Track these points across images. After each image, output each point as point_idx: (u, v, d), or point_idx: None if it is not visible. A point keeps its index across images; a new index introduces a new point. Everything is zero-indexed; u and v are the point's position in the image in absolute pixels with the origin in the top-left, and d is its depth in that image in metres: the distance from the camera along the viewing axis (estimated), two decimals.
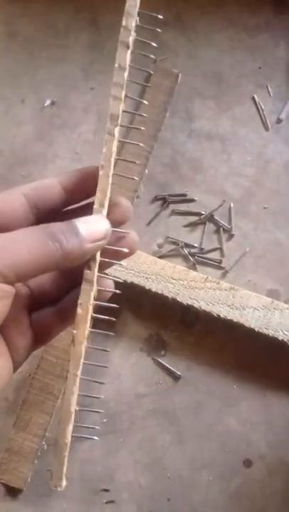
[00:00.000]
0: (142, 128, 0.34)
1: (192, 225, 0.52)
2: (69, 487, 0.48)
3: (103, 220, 0.31)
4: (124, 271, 0.46)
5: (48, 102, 0.55)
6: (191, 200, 0.53)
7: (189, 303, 0.46)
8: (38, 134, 0.55)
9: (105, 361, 0.50)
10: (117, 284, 0.47)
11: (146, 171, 0.52)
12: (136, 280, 0.46)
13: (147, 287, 0.46)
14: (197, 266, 0.51)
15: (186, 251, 0.51)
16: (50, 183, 0.31)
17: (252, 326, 0.45)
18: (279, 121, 0.54)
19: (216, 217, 0.52)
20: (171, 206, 0.53)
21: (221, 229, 0.52)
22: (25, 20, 0.57)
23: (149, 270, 0.47)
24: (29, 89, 0.56)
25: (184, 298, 0.46)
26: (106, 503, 0.48)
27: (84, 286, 0.31)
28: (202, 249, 0.52)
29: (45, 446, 0.48)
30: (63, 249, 0.28)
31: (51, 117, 0.55)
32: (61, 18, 0.57)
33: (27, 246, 0.27)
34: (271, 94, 0.55)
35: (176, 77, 0.53)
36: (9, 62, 0.56)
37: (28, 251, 0.27)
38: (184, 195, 0.53)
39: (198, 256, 0.51)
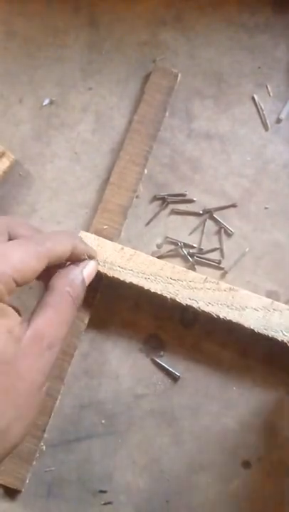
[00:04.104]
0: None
1: (191, 225, 0.52)
2: (67, 488, 0.48)
3: (96, 266, 0.44)
4: (123, 271, 0.46)
5: (46, 102, 0.55)
6: (191, 201, 0.53)
7: (188, 303, 0.46)
8: (36, 134, 0.55)
9: (104, 362, 0.50)
10: (117, 284, 0.47)
11: (146, 171, 0.52)
12: (135, 280, 0.46)
13: (146, 287, 0.46)
14: (196, 266, 0.51)
15: (185, 251, 0.51)
16: (65, 252, 0.39)
17: (251, 327, 0.45)
18: (279, 121, 0.54)
19: (215, 217, 0.52)
20: (170, 206, 0.53)
21: (221, 229, 0.52)
22: (23, 19, 0.57)
23: (148, 270, 0.46)
24: (27, 89, 0.56)
25: (183, 298, 0.46)
26: (104, 504, 0.48)
27: None
28: (201, 249, 0.51)
29: (44, 448, 0.48)
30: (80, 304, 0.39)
31: (49, 117, 0.55)
32: (60, 18, 0.57)
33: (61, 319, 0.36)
34: (271, 94, 0.55)
35: (176, 77, 0.53)
36: (7, 61, 0.56)
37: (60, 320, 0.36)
38: (183, 195, 0.53)
39: (197, 256, 0.51)
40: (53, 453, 0.49)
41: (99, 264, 0.46)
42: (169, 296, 0.46)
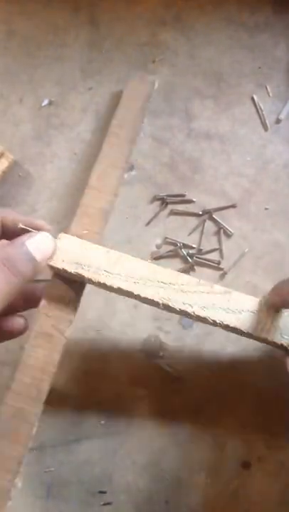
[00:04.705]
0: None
1: (191, 226, 0.52)
2: (66, 489, 0.48)
3: (49, 238, 0.39)
4: (109, 275, 0.43)
5: (45, 102, 0.55)
6: (190, 201, 0.53)
7: (182, 308, 0.42)
8: (36, 134, 0.55)
9: (104, 362, 0.50)
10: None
11: (126, 175, 0.50)
12: (123, 285, 0.42)
13: (136, 293, 0.42)
14: (196, 267, 0.51)
15: (184, 252, 0.51)
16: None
17: (249, 331, 0.42)
18: (278, 121, 0.54)
19: (215, 217, 0.52)
20: (170, 206, 0.53)
21: (221, 230, 0.52)
22: (23, 18, 0.57)
23: (136, 274, 0.42)
24: (27, 88, 0.56)
25: (177, 303, 0.42)
26: (103, 504, 0.48)
27: None
28: (201, 250, 0.51)
29: (20, 484, 0.40)
30: (24, 277, 0.35)
31: (49, 117, 0.55)
32: (60, 17, 0.57)
33: None
34: (270, 94, 0.55)
35: (153, 84, 0.52)
36: (7, 60, 0.56)
37: None
38: (183, 195, 0.53)
39: (196, 257, 0.51)
40: (52, 453, 0.48)
41: (82, 268, 0.42)
42: (161, 302, 0.42)
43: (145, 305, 0.50)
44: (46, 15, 0.57)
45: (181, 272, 0.52)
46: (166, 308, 0.43)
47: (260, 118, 0.54)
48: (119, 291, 0.43)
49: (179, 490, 0.48)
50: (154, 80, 0.53)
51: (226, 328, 0.43)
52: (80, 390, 0.50)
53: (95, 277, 0.42)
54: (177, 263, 0.51)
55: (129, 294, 0.43)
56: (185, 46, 0.56)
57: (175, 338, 0.50)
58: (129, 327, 0.50)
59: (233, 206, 0.52)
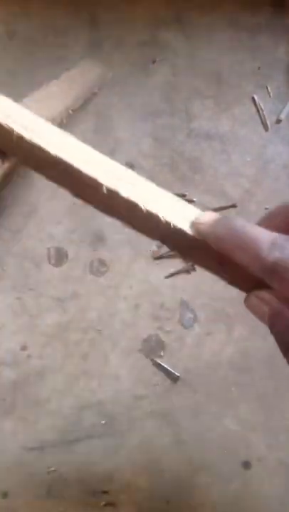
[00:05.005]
0: None
1: None
2: (67, 489, 0.48)
3: None
4: (47, 140, 0.33)
5: None
6: (190, 201, 0.53)
7: (130, 198, 0.32)
8: None
9: (104, 362, 0.50)
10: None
11: (71, 111, 0.50)
12: (63, 155, 0.32)
13: (76, 166, 0.32)
14: (196, 267, 0.51)
15: None
16: None
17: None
18: (279, 121, 0.54)
19: None
20: None
21: None
22: (24, 19, 0.57)
23: (81, 152, 0.34)
24: (27, 89, 0.55)
25: (125, 192, 0.32)
26: (104, 505, 0.48)
27: None
28: None
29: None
30: None
31: None
32: (60, 18, 0.57)
33: None
34: (271, 94, 0.55)
35: (107, 73, 0.52)
36: (8, 61, 0.56)
37: None
38: (183, 195, 0.53)
39: None
40: (53, 453, 0.48)
41: (15, 122, 0.33)
42: (105, 184, 0.32)
43: (145, 304, 0.50)
44: (47, 15, 0.57)
45: (183, 272, 0.52)
46: (110, 195, 0.32)
47: (261, 118, 0.54)
48: (55, 164, 0.33)
49: (179, 490, 0.48)
50: (109, 72, 0.53)
51: (178, 235, 0.32)
52: (80, 389, 0.50)
53: (27, 135, 0.32)
54: (178, 263, 0.51)
55: (66, 168, 0.33)
56: (185, 46, 0.56)
57: (175, 337, 0.50)
58: (129, 327, 0.50)
59: (234, 206, 0.52)
